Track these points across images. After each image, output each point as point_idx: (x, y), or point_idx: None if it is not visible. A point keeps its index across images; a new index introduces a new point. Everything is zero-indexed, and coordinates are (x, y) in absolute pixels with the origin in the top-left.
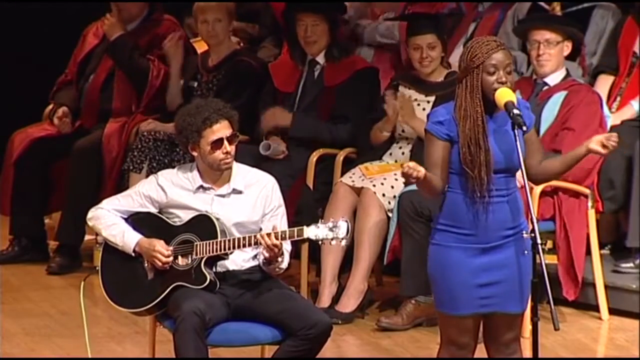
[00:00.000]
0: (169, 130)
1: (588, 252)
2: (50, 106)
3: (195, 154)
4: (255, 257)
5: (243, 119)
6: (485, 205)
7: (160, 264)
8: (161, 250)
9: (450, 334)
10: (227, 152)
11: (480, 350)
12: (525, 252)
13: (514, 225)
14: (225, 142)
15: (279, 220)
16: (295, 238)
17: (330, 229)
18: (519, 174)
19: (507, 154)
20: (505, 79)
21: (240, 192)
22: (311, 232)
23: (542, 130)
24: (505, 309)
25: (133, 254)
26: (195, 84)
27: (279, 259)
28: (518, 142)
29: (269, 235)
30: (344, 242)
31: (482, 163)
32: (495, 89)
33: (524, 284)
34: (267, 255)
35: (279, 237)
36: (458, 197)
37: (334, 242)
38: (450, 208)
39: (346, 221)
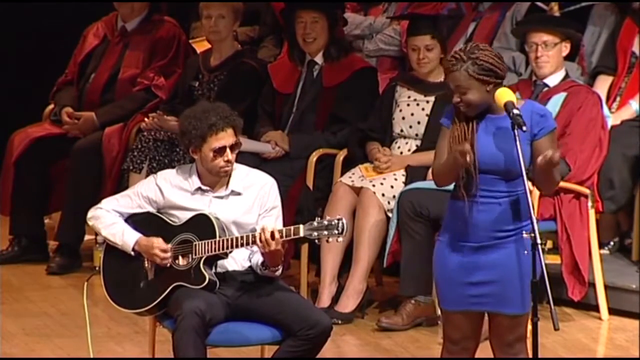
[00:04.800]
0: (173, 128)
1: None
2: (51, 106)
3: (195, 157)
4: (249, 257)
5: (245, 120)
6: (471, 204)
7: (159, 260)
8: (160, 246)
9: (444, 328)
10: (227, 160)
11: (483, 350)
12: (526, 252)
13: (508, 227)
14: (228, 150)
15: (273, 221)
16: (292, 236)
17: (326, 227)
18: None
19: (504, 156)
20: (457, 99)
21: (238, 194)
22: (307, 230)
23: None
24: (501, 310)
25: (132, 253)
26: (197, 84)
27: (278, 266)
28: (518, 143)
29: (268, 233)
30: (340, 239)
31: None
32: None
33: (524, 285)
34: (264, 252)
35: (275, 236)
36: (453, 195)
37: (330, 240)
38: (450, 206)
39: (341, 218)
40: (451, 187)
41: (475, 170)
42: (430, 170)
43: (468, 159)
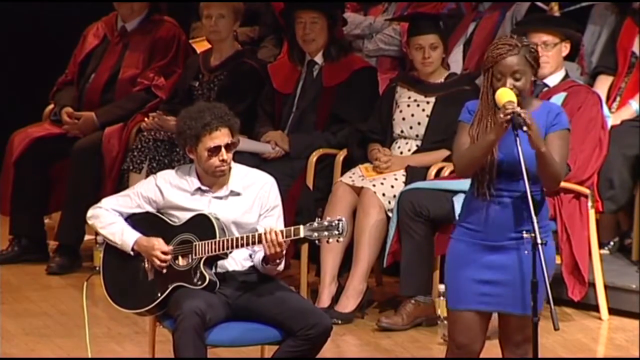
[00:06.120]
0: (173, 128)
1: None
2: (51, 106)
3: (192, 156)
4: (250, 256)
5: (245, 120)
6: (489, 204)
7: (157, 262)
8: (161, 248)
9: (451, 330)
10: (223, 160)
11: (486, 351)
12: (526, 252)
13: (524, 228)
14: (223, 150)
15: (274, 221)
16: (292, 237)
17: (326, 228)
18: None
19: (517, 156)
20: (510, 85)
21: (238, 194)
22: (307, 230)
23: None
24: (511, 310)
25: (132, 253)
26: (197, 84)
27: (279, 260)
28: (518, 143)
29: (269, 233)
30: (340, 239)
31: (485, 162)
32: None
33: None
34: (268, 253)
35: (279, 237)
36: (471, 194)
37: (330, 241)
38: (466, 204)
39: (342, 219)
40: (453, 187)
41: (490, 169)
42: (429, 171)
43: (516, 107)
